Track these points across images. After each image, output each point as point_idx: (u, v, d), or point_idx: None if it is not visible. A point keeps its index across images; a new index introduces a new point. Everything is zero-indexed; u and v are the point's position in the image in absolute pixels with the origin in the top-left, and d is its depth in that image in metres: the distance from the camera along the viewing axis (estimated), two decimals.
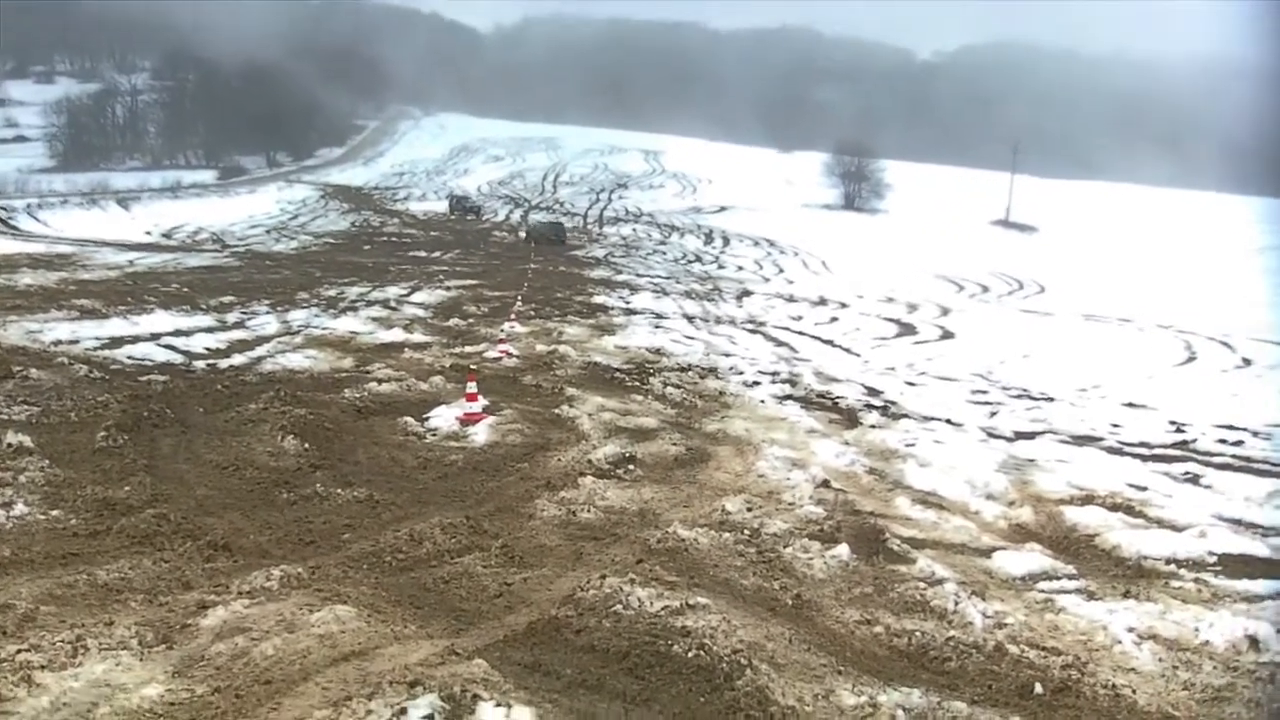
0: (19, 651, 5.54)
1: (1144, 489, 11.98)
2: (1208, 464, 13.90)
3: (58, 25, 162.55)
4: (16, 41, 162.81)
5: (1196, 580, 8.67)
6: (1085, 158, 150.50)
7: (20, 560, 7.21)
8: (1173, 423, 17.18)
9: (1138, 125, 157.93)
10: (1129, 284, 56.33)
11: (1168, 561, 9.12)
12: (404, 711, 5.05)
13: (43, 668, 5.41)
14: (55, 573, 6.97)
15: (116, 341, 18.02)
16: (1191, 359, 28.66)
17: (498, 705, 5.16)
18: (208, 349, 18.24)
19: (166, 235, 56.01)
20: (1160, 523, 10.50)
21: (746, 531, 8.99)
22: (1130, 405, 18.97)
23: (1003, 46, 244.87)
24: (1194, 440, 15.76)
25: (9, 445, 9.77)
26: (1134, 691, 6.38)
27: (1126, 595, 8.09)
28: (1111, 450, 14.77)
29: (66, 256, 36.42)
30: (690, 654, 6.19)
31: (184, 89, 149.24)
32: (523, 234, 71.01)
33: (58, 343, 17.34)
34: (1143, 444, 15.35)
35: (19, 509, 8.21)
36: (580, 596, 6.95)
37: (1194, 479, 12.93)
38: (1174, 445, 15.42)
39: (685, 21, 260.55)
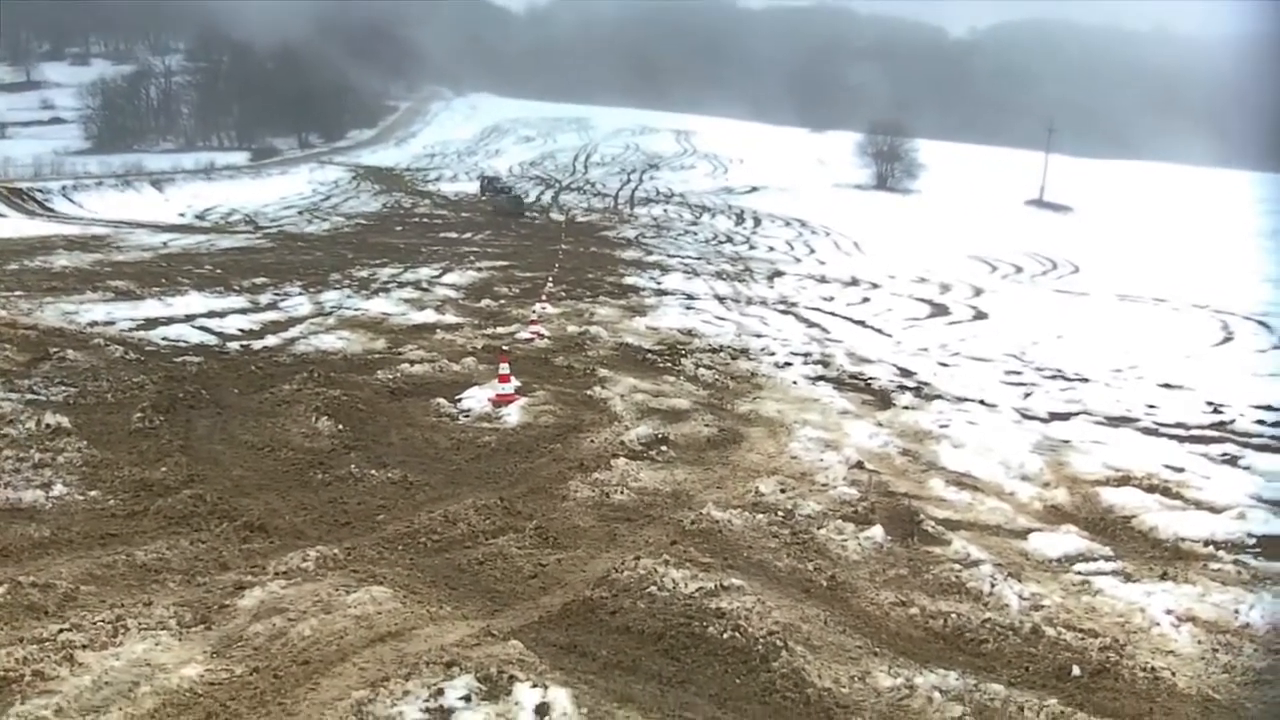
0: (60, 631, 5.60)
1: (1181, 470, 11.87)
2: (1246, 445, 13.73)
3: (93, 7, 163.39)
4: (52, 23, 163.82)
5: (1236, 562, 8.61)
6: (1122, 136, 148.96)
7: (60, 540, 7.28)
8: (1210, 403, 16.99)
9: (1176, 103, 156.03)
10: (1164, 264, 55.75)
11: (1206, 543, 9.04)
12: (441, 692, 5.08)
13: (84, 647, 5.47)
14: (94, 553, 7.05)
15: (151, 323, 18.17)
16: (1228, 339, 28.32)
17: (534, 686, 5.18)
18: (241, 330, 18.35)
19: (200, 217, 56.31)
20: (1198, 504, 10.40)
21: (780, 513, 8.97)
22: (1166, 386, 18.77)
23: (1038, 23, 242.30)
24: (1232, 421, 15.58)
25: (47, 426, 9.86)
26: (1173, 674, 6.34)
27: (1164, 577, 8.03)
28: (1148, 431, 14.64)
29: (101, 238, 36.71)
30: (725, 635, 6.20)
31: (217, 70, 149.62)
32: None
33: (94, 324, 17.50)
34: (1179, 425, 15.20)
35: (58, 489, 8.30)
36: (615, 578, 6.97)
37: (1232, 460, 12.80)
38: (1211, 426, 15.25)
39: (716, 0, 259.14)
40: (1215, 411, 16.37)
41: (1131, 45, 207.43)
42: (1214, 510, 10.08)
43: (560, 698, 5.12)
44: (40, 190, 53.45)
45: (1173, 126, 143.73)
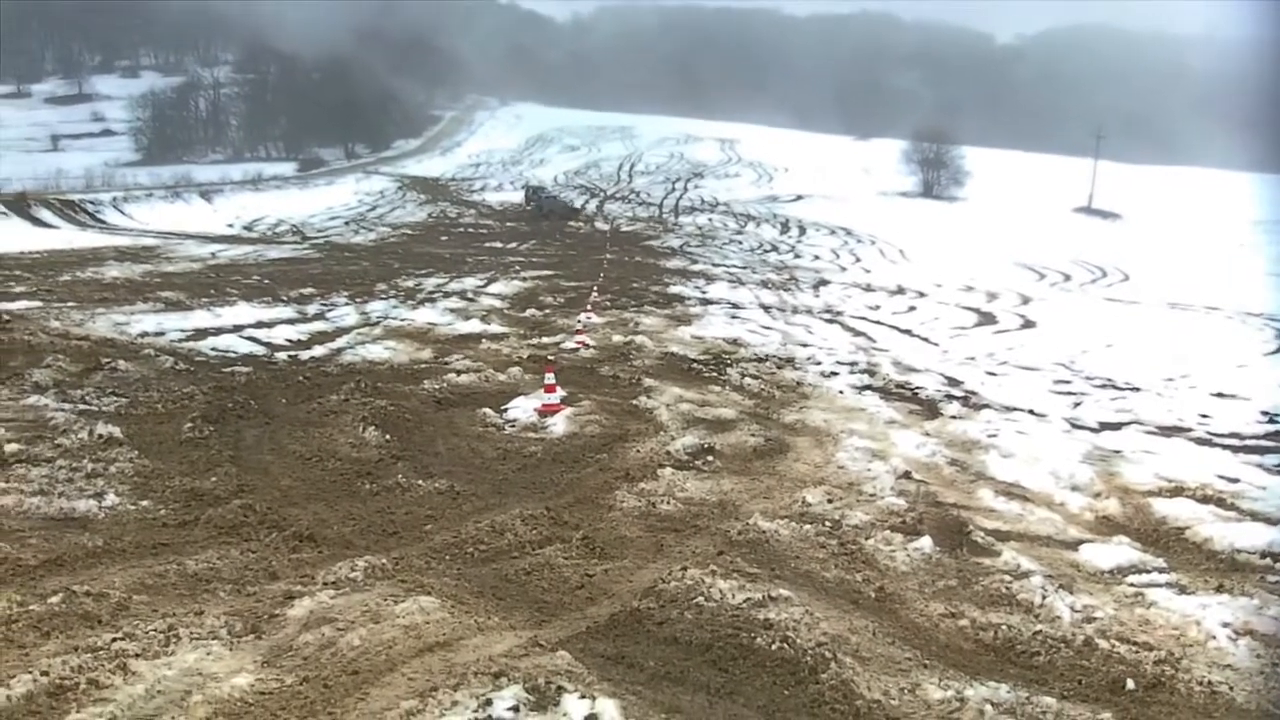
0: (114, 640, 5.65)
1: (1235, 481, 11.68)
2: None
3: (143, 20, 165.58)
4: (103, 37, 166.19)
5: None
6: (1171, 142, 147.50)
7: (113, 550, 7.35)
8: (1265, 413, 16.75)
9: (1226, 108, 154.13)
10: (1215, 271, 55.10)
11: (1263, 555, 8.87)
12: (489, 702, 5.07)
13: (137, 656, 5.51)
14: (146, 562, 7.10)
15: (200, 333, 18.36)
16: None
17: (582, 697, 5.16)
18: (289, 340, 18.49)
19: (248, 227, 56.91)
20: (1254, 515, 10.24)
21: (828, 523, 8.92)
22: (1219, 395, 18.52)
23: (1086, 29, 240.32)
24: None
25: (99, 436, 9.97)
26: (1231, 688, 6.23)
27: (1220, 589, 7.90)
28: (1200, 441, 14.43)
29: (151, 249, 37.21)
30: (774, 647, 6.16)
31: (264, 82, 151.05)
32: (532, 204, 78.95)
33: (144, 334, 17.71)
34: (1233, 435, 14.98)
35: (110, 499, 8.38)
36: (662, 588, 6.95)
37: None
38: (1267, 436, 15.03)
39: (759, 8, 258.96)
40: (1270, 421, 16.13)
41: (1180, 50, 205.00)
42: (1270, 521, 9.91)
43: (608, 708, 5.10)
44: (91, 202, 54.20)
45: (1223, 132, 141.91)
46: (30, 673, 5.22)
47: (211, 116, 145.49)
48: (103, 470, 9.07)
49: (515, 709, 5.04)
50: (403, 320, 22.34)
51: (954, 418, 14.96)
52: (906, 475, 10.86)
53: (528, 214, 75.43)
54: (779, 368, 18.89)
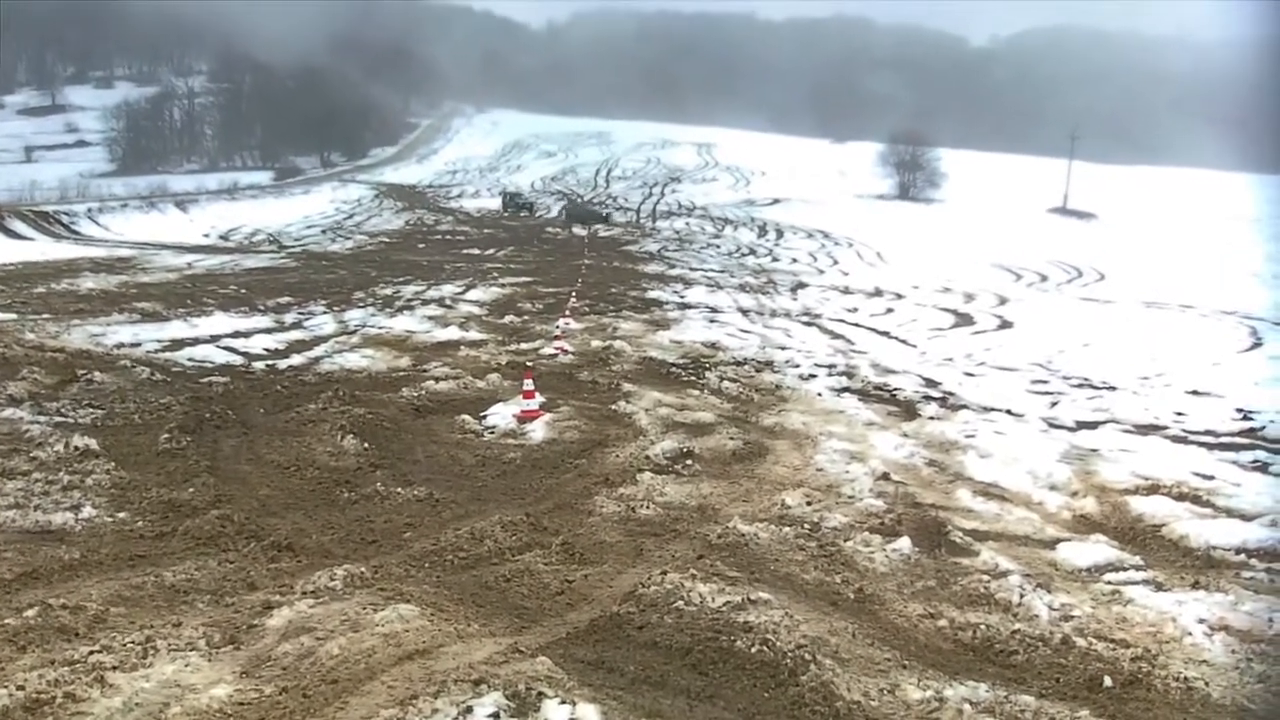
0: (91, 653, 5.62)
1: (1211, 478, 11.75)
2: (1277, 451, 13.56)
3: (117, 30, 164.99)
4: (77, 47, 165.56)
5: (1269, 570, 8.51)
6: (1145, 142, 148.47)
7: (90, 562, 7.32)
8: (1239, 410, 16.83)
9: (1200, 108, 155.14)
10: (1190, 270, 55.39)
11: (1238, 551, 8.94)
12: (470, 710, 5.06)
13: (114, 668, 5.48)
14: (123, 574, 7.07)
15: (177, 344, 18.23)
16: (1257, 345, 28.12)
17: (562, 703, 5.16)
18: (266, 350, 18.40)
19: (224, 237, 56.63)
20: (1229, 512, 10.30)
21: (806, 525, 8.94)
22: (1195, 393, 18.61)
23: (1060, 30, 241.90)
24: (1262, 427, 15.41)
25: (75, 448, 9.91)
26: (1207, 684, 6.27)
27: (1196, 586, 7.95)
28: (1176, 439, 14.50)
29: (127, 260, 36.91)
30: (753, 649, 6.17)
31: (239, 91, 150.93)
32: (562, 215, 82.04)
33: (120, 345, 17.58)
34: (1209, 432, 15.06)
35: (87, 511, 8.34)
36: (642, 593, 6.95)
37: (1263, 467, 12.68)
38: (1241, 433, 15.10)
39: (734, 13, 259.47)
40: (1245, 418, 16.22)
41: (1154, 50, 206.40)
42: (1245, 518, 9.98)
43: (589, 714, 5.11)
44: (66, 213, 53.70)
45: (1196, 131, 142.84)
46: (6, 687, 5.19)
47: (186, 126, 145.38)
48: (79, 482, 9.02)
49: (496, 716, 5.04)
50: (381, 328, 22.25)
51: (932, 419, 15.01)
52: (885, 477, 10.89)
53: (559, 222, 76.89)
54: (757, 371, 18.92)
